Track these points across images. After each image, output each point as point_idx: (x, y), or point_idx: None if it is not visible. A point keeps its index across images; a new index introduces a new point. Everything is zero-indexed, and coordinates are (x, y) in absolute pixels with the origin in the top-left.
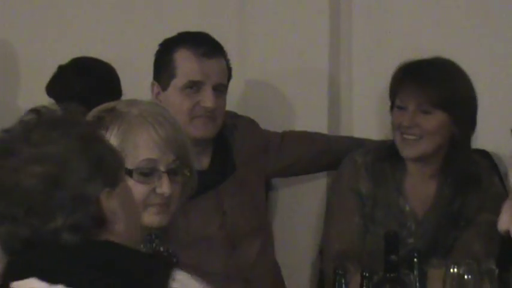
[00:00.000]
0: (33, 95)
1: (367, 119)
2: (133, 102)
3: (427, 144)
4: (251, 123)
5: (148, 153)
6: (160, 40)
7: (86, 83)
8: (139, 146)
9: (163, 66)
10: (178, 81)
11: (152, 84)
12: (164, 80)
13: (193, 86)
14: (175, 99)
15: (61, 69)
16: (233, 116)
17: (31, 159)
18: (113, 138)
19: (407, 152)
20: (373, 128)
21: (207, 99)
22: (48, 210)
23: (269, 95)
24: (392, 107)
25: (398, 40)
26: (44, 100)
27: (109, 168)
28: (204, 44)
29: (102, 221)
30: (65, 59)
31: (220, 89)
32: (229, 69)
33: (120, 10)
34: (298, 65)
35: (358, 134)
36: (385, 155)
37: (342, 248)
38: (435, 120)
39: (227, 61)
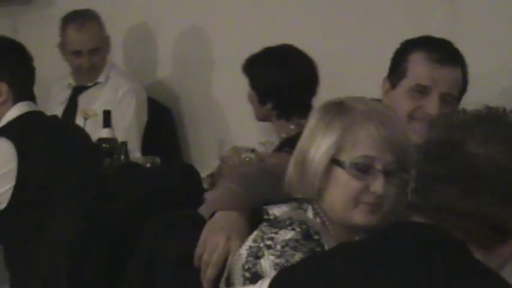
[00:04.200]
0: (226, 83)
1: None
2: (361, 100)
3: None
4: None
5: (366, 150)
6: (364, 39)
7: (286, 76)
8: (358, 142)
9: (397, 65)
10: (407, 82)
11: (384, 81)
12: (395, 78)
13: (420, 90)
14: (400, 99)
15: (267, 52)
16: None
17: None
18: (334, 130)
19: None
20: None
21: (431, 106)
22: None
23: (481, 95)
24: None
25: None
26: (234, 88)
27: None
28: (441, 51)
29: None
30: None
31: (447, 99)
32: (464, 82)
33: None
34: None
35: None
36: None
37: None
38: None
39: (464, 73)
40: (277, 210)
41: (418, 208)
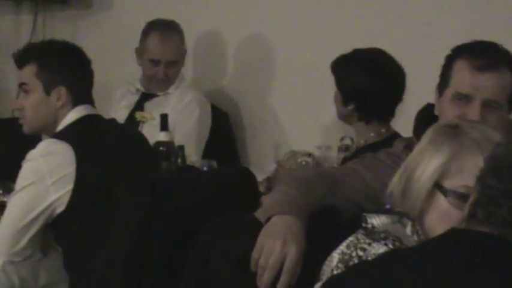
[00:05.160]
0: (282, 87)
1: None
2: (476, 125)
3: None
4: None
5: (470, 181)
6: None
7: (372, 79)
8: (464, 171)
9: (443, 73)
10: (449, 91)
11: (435, 89)
12: (441, 87)
13: (462, 98)
14: (445, 107)
15: (356, 53)
16: None
17: None
18: (441, 154)
19: None
20: None
21: (472, 113)
22: None
23: None
24: None
25: None
26: (290, 92)
27: None
28: (484, 57)
29: None
30: (325, 59)
31: (492, 106)
32: None
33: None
34: None
35: None
36: None
37: None
38: None
39: None
40: (376, 220)
41: (481, 220)
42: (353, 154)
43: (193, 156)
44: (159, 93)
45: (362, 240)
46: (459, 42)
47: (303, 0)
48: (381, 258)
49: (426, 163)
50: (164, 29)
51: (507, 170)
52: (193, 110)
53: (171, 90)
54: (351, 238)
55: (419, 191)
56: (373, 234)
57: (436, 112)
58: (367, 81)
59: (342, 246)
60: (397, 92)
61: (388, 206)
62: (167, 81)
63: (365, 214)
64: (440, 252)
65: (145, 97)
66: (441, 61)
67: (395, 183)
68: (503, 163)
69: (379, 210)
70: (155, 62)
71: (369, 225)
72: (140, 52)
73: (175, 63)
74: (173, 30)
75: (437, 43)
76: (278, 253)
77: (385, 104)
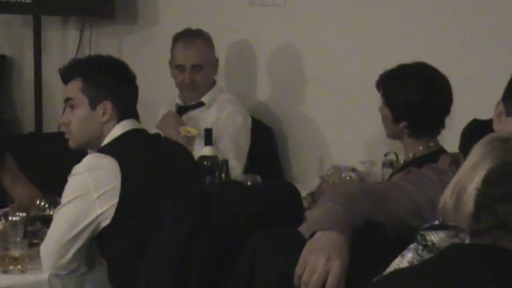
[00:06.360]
0: (325, 102)
1: None
2: None
3: None
4: None
5: None
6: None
7: (423, 94)
8: None
9: None
10: None
11: (498, 103)
12: (511, 106)
13: None
14: None
15: (403, 69)
16: None
17: None
18: (494, 165)
19: None
20: None
21: None
22: None
23: None
24: None
25: None
26: (333, 107)
27: None
28: None
29: None
30: (368, 73)
31: None
32: None
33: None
34: None
35: None
36: None
37: None
38: None
39: None
40: (434, 237)
41: (479, 232)
42: (401, 167)
43: (236, 170)
44: (192, 103)
45: (427, 256)
46: (501, 54)
47: (346, 15)
48: (384, 278)
49: (479, 179)
50: (187, 35)
51: (497, 177)
52: (233, 122)
53: (204, 99)
54: (410, 255)
55: (471, 207)
56: (437, 250)
57: (496, 128)
58: (419, 95)
59: (403, 264)
60: (446, 104)
61: (436, 222)
62: (195, 88)
63: (422, 232)
64: (442, 267)
65: (182, 110)
66: (482, 74)
67: (447, 197)
68: (494, 171)
69: (432, 226)
70: (181, 68)
71: (429, 243)
72: (170, 62)
73: (200, 67)
74: (196, 35)
75: (479, 57)
76: (321, 269)
77: (437, 117)
